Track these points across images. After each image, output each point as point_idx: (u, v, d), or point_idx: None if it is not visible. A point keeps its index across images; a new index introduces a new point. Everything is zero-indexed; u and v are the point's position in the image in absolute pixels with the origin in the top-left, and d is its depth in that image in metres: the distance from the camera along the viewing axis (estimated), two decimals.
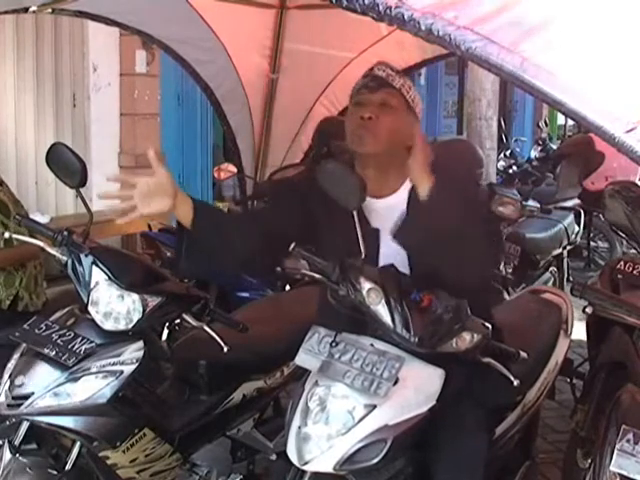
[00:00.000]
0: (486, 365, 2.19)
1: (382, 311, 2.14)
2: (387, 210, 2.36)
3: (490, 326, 2.16)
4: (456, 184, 2.34)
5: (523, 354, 2.24)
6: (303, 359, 2.23)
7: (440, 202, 2.20)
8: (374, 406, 2.08)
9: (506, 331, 2.46)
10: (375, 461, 2.06)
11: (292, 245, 2.27)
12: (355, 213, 2.16)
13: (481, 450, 2.34)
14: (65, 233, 2.62)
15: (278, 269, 2.30)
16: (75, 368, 2.41)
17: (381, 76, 2.37)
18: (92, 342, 2.46)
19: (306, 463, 2.08)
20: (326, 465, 2.07)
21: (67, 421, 2.41)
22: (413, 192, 2.31)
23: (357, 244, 2.19)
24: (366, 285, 2.15)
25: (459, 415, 2.28)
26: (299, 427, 2.12)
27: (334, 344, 2.19)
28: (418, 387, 2.13)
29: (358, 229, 2.16)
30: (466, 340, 2.12)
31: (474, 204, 2.41)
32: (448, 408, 2.18)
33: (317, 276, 2.25)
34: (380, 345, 2.16)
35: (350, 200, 2.16)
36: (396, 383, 2.09)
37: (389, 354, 2.13)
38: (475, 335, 2.12)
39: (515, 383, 2.19)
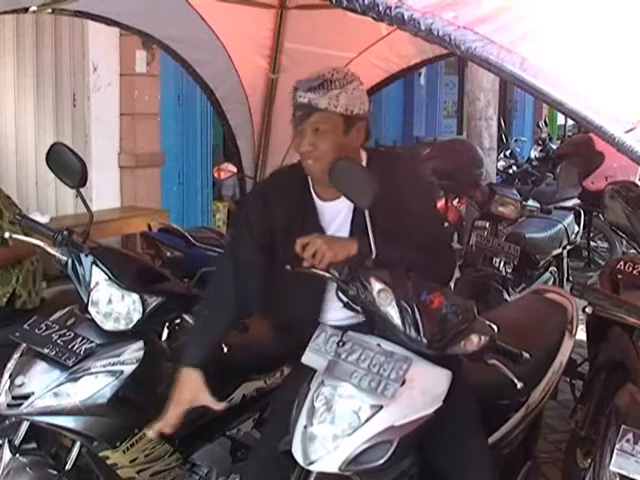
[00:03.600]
0: (491, 366, 2.19)
1: (392, 312, 2.13)
2: (333, 213, 2.43)
3: (496, 328, 2.16)
4: (397, 190, 2.34)
5: (526, 355, 2.23)
6: (310, 358, 2.22)
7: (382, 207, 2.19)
8: (380, 407, 2.07)
9: (511, 331, 2.46)
10: (381, 462, 2.05)
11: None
12: (367, 212, 2.15)
13: (484, 445, 2.36)
14: (65, 233, 2.63)
15: (288, 267, 2.29)
16: (75, 368, 2.41)
17: (304, 103, 2.30)
18: (92, 342, 2.46)
19: (311, 463, 2.07)
20: (332, 465, 2.06)
21: (67, 421, 2.41)
22: None
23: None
24: (377, 286, 2.15)
25: (460, 413, 2.29)
26: (305, 427, 2.11)
27: (341, 343, 2.19)
28: (425, 388, 2.12)
29: (370, 228, 2.15)
30: (474, 342, 2.12)
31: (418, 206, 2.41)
32: (452, 406, 2.19)
33: (327, 275, 2.25)
34: (387, 345, 2.16)
35: (362, 198, 2.16)
36: (403, 384, 2.08)
37: (396, 355, 2.12)
38: (483, 337, 2.12)
39: (518, 386, 2.19)
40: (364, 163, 2.45)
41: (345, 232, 2.42)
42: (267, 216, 2.46)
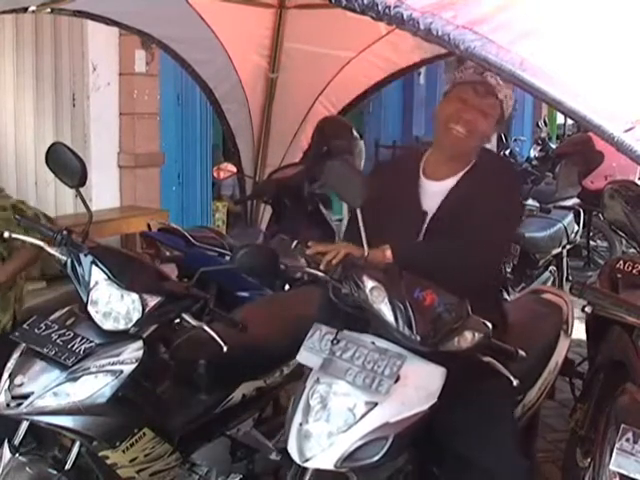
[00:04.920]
0: (486, 364, 2.20)
1: (385, 309, 2.14)
2: (437, 193, 2.53)
3: (490, 325, 2.17)
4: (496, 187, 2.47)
5: (522, 353, 2.24)
6: (305, 356, 2.24)
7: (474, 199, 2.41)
8: (375, 404, 2.09)
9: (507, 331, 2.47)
10: (376, 459, 2.07)
11: (294, 243, 2.28)
12: (359, 211, 2.17)
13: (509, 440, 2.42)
14: (65, 233, 2.62)
15: (282, 267, 2.30)
16: (74, 368, 2.40)
17: (491, 84, 2.48)
18: (92, 342, 2.45)
19: (307, 460, 2.09)
20: (327, 462, 2.07)
21: (66, 421, 2.41)
22: (461, 181, 2.53)
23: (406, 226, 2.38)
24: (369, 284, 2.16)
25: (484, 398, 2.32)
26: (300, 424, 2.13)
27: (335, 341, 2.20)
28: (419, 385, 2.13)
29: (362, 227, 2.17)
30: (468, 339, 2.13)
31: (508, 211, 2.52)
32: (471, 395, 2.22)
33: (320, 274, 2.26)
34: (381, 343, 2.17)
35: (354, 198, 2.18)
36: (397, 381, 2.09)
37: (390, 352, 2.14)
38: (476, 334, 2.13)
39: (515, 383, 2.20)
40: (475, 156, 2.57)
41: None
42: (377, 193, 2.51)
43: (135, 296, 2.49)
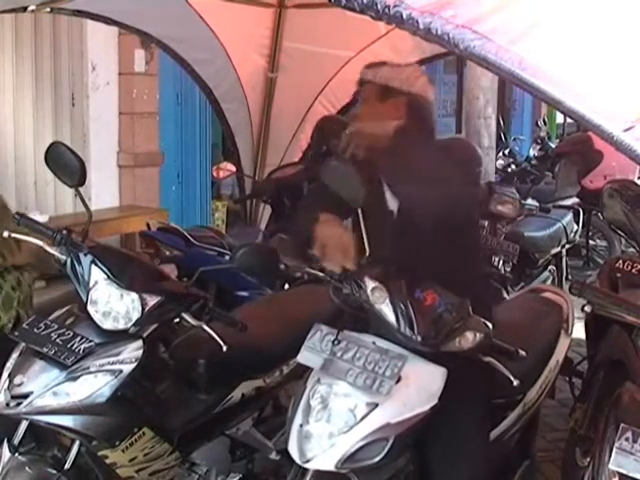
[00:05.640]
0: (486, 364, 2.19)
1: (386, 310, 2.14)
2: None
3: (491, 325, 2.17)
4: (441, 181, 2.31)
5: (522, 352, 2.24)
6: (305, 357, 2.23)
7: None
8: (376, 404, 2.08)
9: (507, 330, 2.46)
10: (377, 459, 2.07)
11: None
12: (360, 211, 2.17)
13: (481, 453, 2.36)
14: (64, 232, 2.62)
15: (282, 267, 2.30)
16: (74, 367, 2.40)
17: (360, 79, 2.49)
18: (91, 341, 2.45)
19: (308, 461, 2.09)
20: (328, 463, 2.07)
21: (66, 420, 2.40)
22: None
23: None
24: (370, 284, 2.16)
25: (459, 416, 2.29)
26: (301, 425, 2.13)
27: (336, 342, 2.19)
28: (420, 385, 2.13)
29: (363, 227, 2.17)
30: (469, 339, 2.13)
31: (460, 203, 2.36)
32: (449, 408, 2.19)
33: (320, 274, 2.25)
34: (382, 343, 2.17)
35: (354, 198, 2.17)
36: (398, 381, 2.09)
37: (391, 352, 2.13)
38: (477, 334, 2.13)
39: (515, 383, 2.19)
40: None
41: None
42: None
43: (135, 296, 2.49)
